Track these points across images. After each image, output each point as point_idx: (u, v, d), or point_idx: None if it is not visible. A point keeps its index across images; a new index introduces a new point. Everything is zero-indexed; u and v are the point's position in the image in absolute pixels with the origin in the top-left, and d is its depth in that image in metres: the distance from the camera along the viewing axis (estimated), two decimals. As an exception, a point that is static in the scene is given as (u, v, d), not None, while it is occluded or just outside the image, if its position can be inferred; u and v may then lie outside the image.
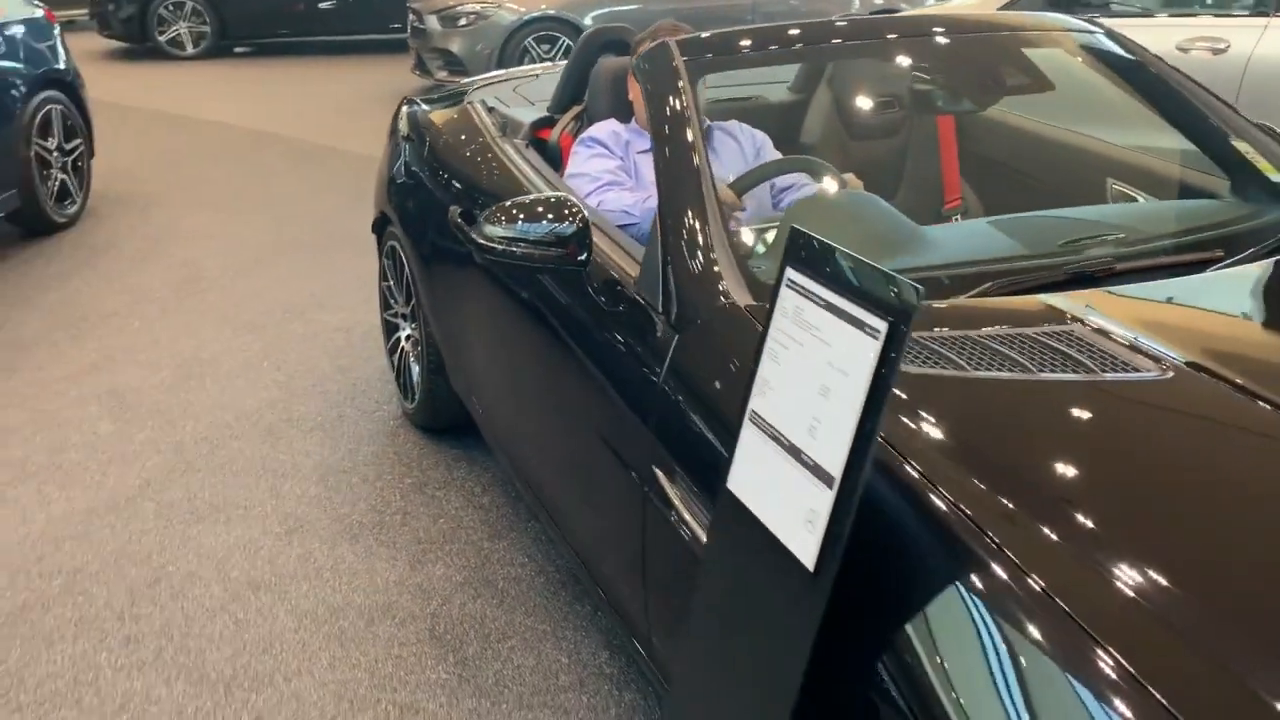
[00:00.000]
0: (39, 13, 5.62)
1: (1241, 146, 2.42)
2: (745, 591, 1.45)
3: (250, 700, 2.35)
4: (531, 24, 8.46)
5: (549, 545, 2.84)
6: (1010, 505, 1.34)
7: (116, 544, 2.91)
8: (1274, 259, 2.01)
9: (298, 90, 9.62)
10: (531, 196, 2.18)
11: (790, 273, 1.41)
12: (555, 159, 2.96)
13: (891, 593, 1.34)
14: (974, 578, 1.25)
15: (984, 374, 1.57)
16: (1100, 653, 1.13)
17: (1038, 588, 1.21)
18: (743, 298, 1.85)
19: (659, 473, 1.81)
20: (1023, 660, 1.17)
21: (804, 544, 1.31)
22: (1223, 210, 2.32)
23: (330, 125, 7.97)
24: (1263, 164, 2.38)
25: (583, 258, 2.07)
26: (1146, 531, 1.32)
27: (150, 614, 2.63)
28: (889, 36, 2.62)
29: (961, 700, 1.18)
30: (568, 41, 8.30)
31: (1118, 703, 1.09)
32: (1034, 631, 1.18)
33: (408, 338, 3.42)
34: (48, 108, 5.43)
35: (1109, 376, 1.57)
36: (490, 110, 3.23)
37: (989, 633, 1.21)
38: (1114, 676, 1.11)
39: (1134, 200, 2.65)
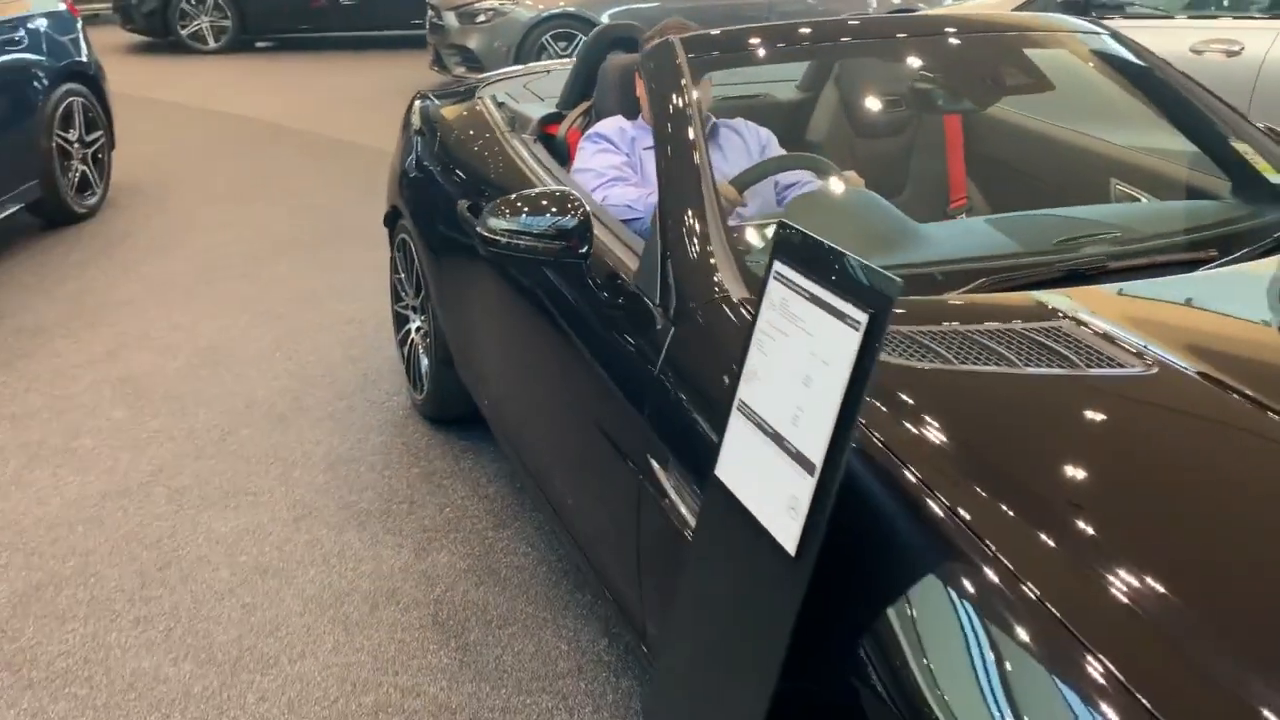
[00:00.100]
0: (62, 6, 5.70)
1: (1241, 148, 2.43)
2: (730, 577, 1.48)
3: (255, 681, 2.40)
4: (549, 21, 8.51)
5: (552, 535, 2.88)
6: (985, 494, 1.36)
7: (128, 527, 2.97)
8: (1267, 259, 2.03)
9: (317, 85, 9.70)
10: (535, 190, 2.22)
11: (778, 266, 1.45)
12: (563, 154, 3.00)
13: (872, 579, 1.37)
14: (954, 568, 1.27)
15: (969, 367, 1.60)
16: (1083, 654, 1.13)
17: (1020, 584, 1.22)
18: (738, 292, 1.88)
19: (654, 463, 1.85)
20: (1002, 653, 1.19)
21: (786, 529, 1.35)
22: (1219, 211, 2.34)
23: (348, 120, 8.04)
24: (1262, 165, 2.40)
25: (584, 251, 2.10)
26: (1112, 514, 1.34)
27: (160, 596, 2.69)
28: (892, 36, 2.65)
29: (935, 672, 1.21)
30: (584, 39, 8.33)
31: (1103, 705, 1.09)
32: (1022, 634, 1.19)
33: (418, 330, 3.46)
34: (69, 100, 5.51)
35: (1093, 372, 1.60)
36: (500, 106, 3.28)
37: (966, 620, 1.24)
38: (1098, 678, 1.11)
39: (1137, 200, 2.67)
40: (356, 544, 2.88)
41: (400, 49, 11.23)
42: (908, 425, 1.49)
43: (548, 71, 3.81)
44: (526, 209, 2.15)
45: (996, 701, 1.17)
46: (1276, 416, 1.49)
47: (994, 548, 1.26)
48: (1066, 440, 1.50)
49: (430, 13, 9.03)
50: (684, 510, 1.74)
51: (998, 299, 1.87)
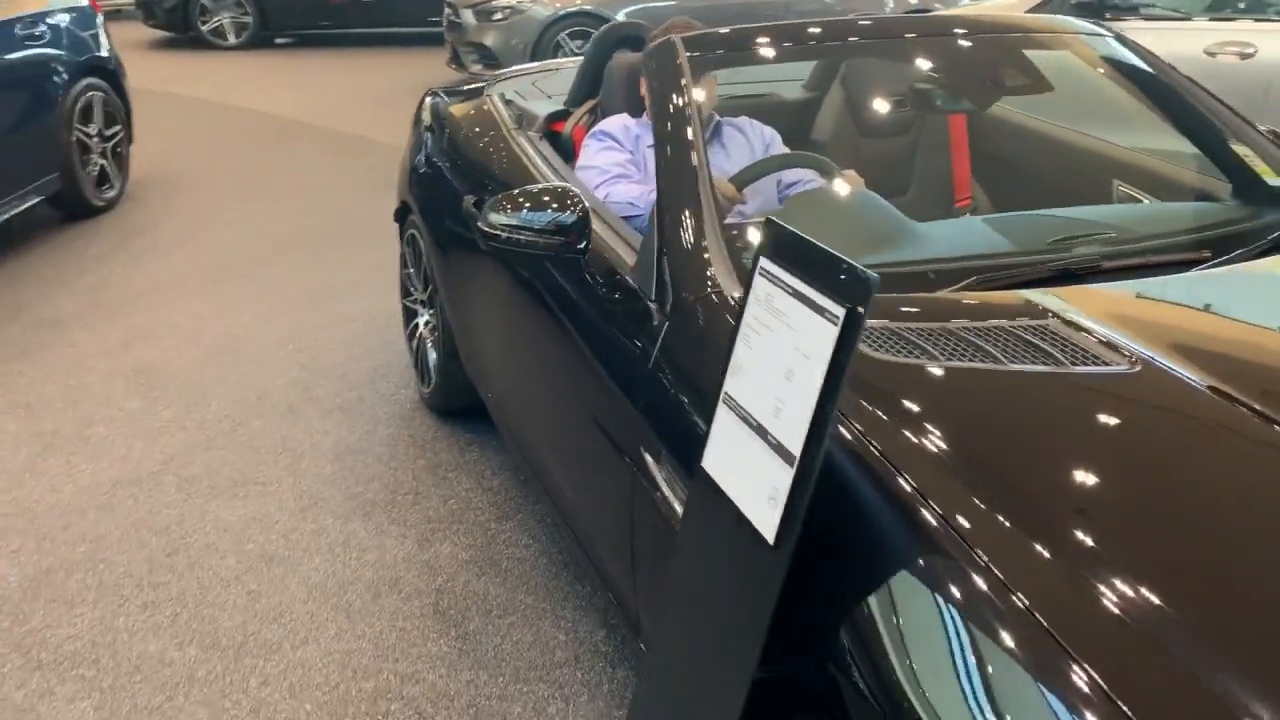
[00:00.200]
0: (83, 1, 5.77)
1: (1241, 150, 2.44)
2: (713, 566, 1.51)
3: (258, 666, 2.45)
4: (565, 19, 8.55)
5: (553, 528, 2.91)
6: (963, 486, 1.39)
7: (138, 515, 3.03)
8: (1261, 260, 2.04)
9: (335, 81, 9.77)
10: (536, 186, 2.26)
11: (764, 262, 1.48)
12: (568, 151, 3.03)
13: (856, 573, 1.38)
14: (939, 566, 1.29)
15: (954, 363, 1.62)
16: (1067, 661, 1.14)
17: (1011, 593, 1.23)
18: (731, 288, 1.91)
19: (647, 456, 1.88)
20: (981, 648, 1.20)
21: (766, 519, 1.38)
22: (1215, 212, 2.35)
23: (365, 116, 8.10)
24: (1261, 167, 2.41)
25: (582, 246, 2.14)
26: (1093, 513, 1.36)
27: (168, 582, 2.74)
28: (895, 36, 2.67)
29: (914, 664, 1.24)
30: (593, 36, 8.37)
31: (1086, 713, 1.09)
32: (1007, 638, 1.19)
33: (426, 324, 3.50)
34: (89, 94, 5.58)
35: (1077, 369, 1.62)
36: (508, 103, 3.31)
37: (950, 622, 1.24)
38: (1081, 685, 1.11)
39: (1138, 201, 2.68)
40: (361, 533, 2.92)
41: (418, 46, 11.29)
42: (899, 427, 1.51)
43: (557, 69, 3.84)
44: (527, 204, 2.19)
45: (978, 701, 1.17)
46: (1264, 418, 1.49)
47: (984, 556, 1.26)
48: (1046, 437, 1.52)
49: (448, 10, 9.08)
50: (676, 504, 1.77)
51: (986, 297, 1.88)
